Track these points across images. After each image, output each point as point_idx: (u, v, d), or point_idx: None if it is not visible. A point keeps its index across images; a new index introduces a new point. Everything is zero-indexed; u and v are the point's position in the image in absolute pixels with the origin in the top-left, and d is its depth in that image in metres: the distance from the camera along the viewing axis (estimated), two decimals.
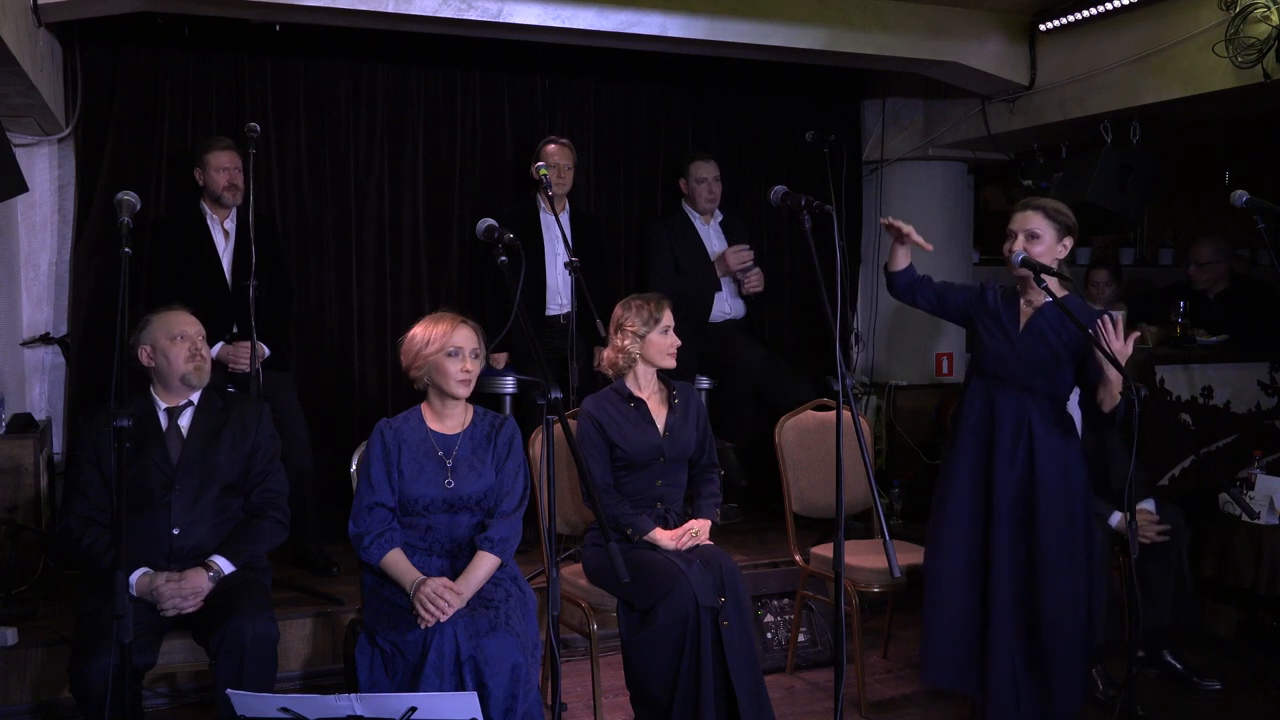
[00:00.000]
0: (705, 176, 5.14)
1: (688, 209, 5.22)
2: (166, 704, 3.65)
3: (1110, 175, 4.91)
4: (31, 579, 4.00)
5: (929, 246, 3.37)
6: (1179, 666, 3.96)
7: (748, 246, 5.08)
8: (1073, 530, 3.22)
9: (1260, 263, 6.61)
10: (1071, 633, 3.19)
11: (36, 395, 4.80)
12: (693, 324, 4.86)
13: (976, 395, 3.34)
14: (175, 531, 3.02)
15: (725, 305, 5.14)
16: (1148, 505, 3.85)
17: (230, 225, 4.39)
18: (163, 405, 3.13)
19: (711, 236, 5.20)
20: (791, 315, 5.94)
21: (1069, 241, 3.25)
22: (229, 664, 2.80)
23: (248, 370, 4.14)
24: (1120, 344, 3.04)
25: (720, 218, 5.24)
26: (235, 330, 4.29)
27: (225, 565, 3.00)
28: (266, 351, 4.23)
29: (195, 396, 3.17)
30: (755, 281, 5.10)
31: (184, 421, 3.13)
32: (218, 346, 4.22)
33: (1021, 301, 3.32)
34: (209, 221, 4.37)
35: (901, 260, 3.42)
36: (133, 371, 3.10)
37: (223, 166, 4.31)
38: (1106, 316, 3.10)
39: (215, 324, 4.22)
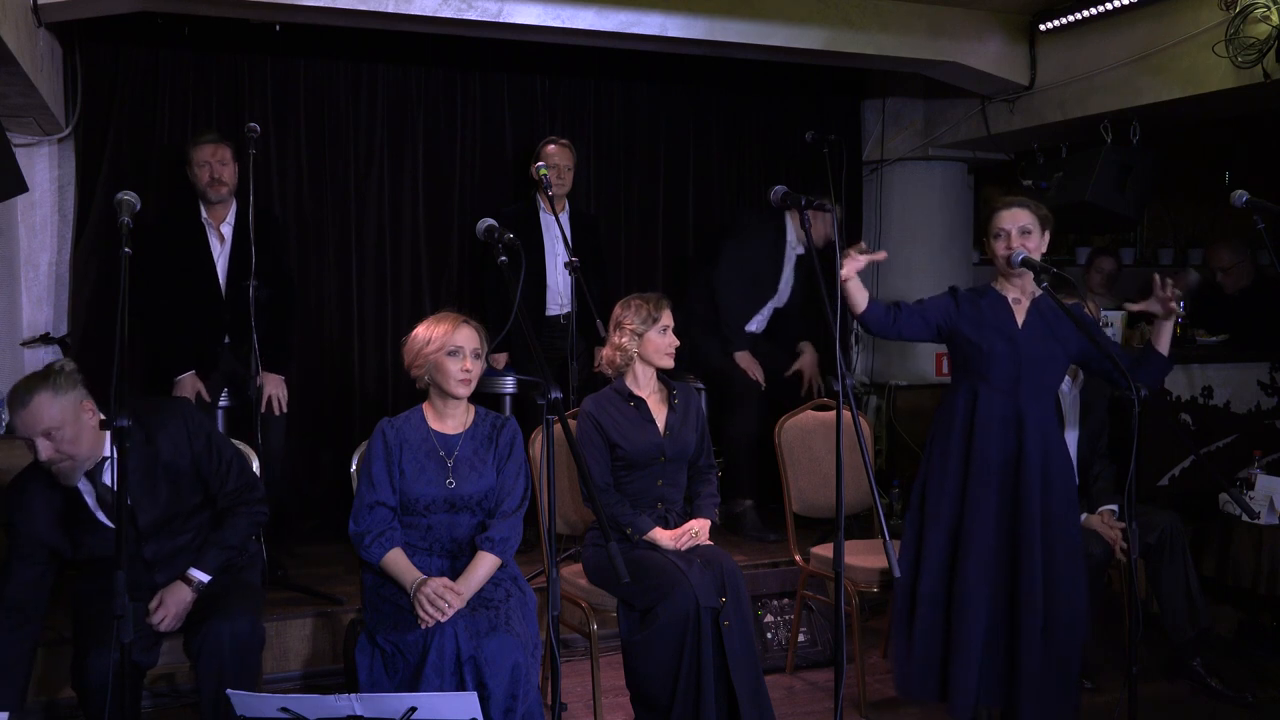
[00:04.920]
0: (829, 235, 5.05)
1: (791, 226, 5.06)
2: (166, 704, 3.65)
3: (1110, 175, 4.91)
4: None
5: (882, 254, 3.21)
6: (1210, 680, 3.86)
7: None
8: (1072, 532, 3.22)
9: (1260, 263, 6.62)
10: (1077, 634, 3.19)
11: None
12: (722, 339, 4.94)
13: (967, 403, 3.27)
14: (159, 580, 2.91)
15: (752, 323, 5.14)
16: (1112, 508, 3.82)
17: (228, 229, 4.24)
18: (79, 473, 2.80)
19: (790, 262, 5.14)
20: (792, 315, 5.93)
21: (1048, 235, 3.26)
22: (209, 667, 2.77)
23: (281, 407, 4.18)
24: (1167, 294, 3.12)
25: (800, 251, 5.12)
26: (227, 340, 4.21)
27: (200, 576, 2.91)
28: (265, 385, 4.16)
29: (108, 447, 2.79)
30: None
31: (109, 479, 2.83)
32: (188, 375, 4.13)
33: (1009, 299, 3.26)
34: (205, 224, 4.23)
35: (860, 297, 3.19)
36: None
37: (204, 161, 4.14)
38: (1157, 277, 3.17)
39: (207, 333, 4.18)
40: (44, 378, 2.73)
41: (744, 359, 4.98)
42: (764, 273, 5.07)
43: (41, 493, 2.84)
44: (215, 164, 4.16)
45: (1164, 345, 3.19)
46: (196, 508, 3.01)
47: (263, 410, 4.13)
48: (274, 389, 4.21)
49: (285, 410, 4.25)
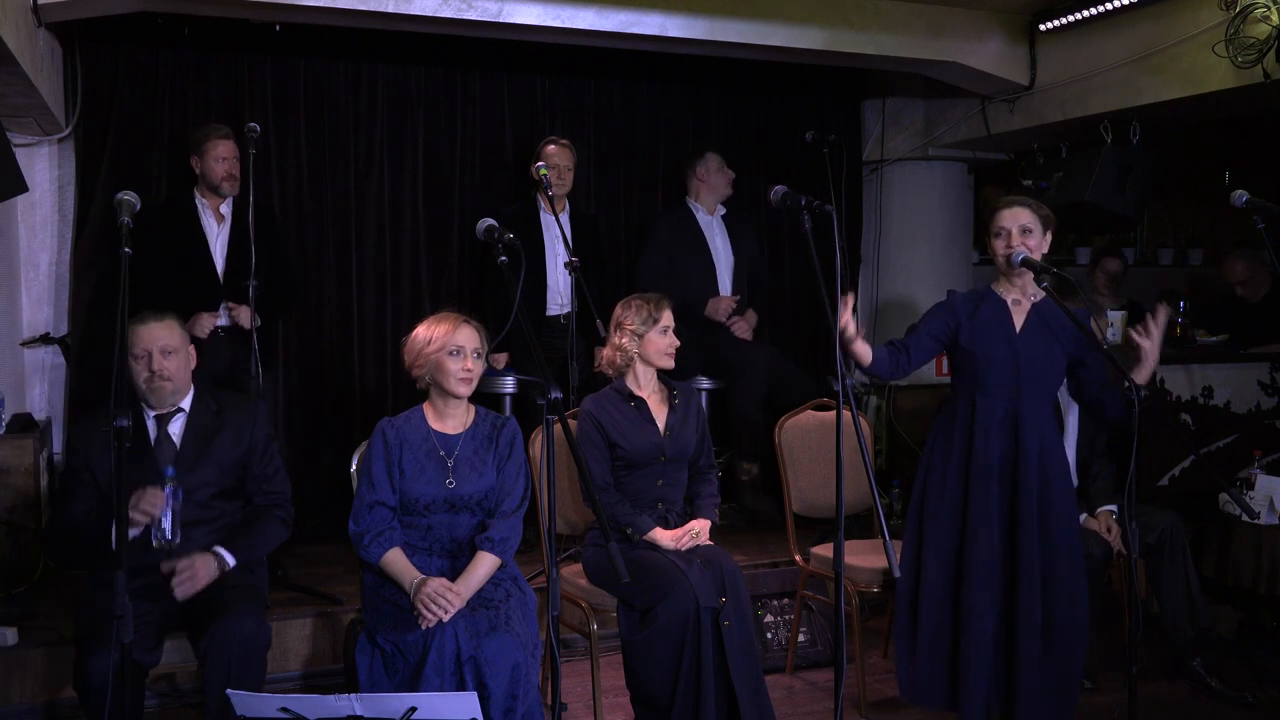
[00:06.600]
0: (725, 168, 5.13)
1: (692, 204, 5.19)
2: (168, 704, 3.65)
3: (1110, 175, 4.91)
4: (31, 579, 4.00)
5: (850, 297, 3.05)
6: (1210, 680, 3.86)
7: (735, 298, 5.06)
8: (1072, 535, 3.22)
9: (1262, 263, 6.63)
10: (1078, 638, 3.19)
11: (36, 395, 4.80)
12: (699, 327, 4.88)
13: (966, 407, 3.27)
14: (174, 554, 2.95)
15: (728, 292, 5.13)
16: (1111, 508, 3.82)
17: (226, 209, 4.29)
18: (151, 413, 3.05)
19: (715, 231, 5.18)
20: (792, 315, 5.94)
21: (1050, 235, 3.25)
22: (217, 666, 2.78)
23: (246, 327, 4.06)
24: (1158, 335, 3.06)
25: (723, 212, 5.23)
26: (222, 333, 4.18)
27: (228, 557, 2.96)
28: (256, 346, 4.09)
29: (186, 402, 3.09)
30: (743, 329, 5.06)
31: (175, 429, 3.06)
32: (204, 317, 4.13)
33: (1009, 301, 3.25)
34: (200, 207, 4.26)
35: (865, 352, 3.15)
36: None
37: (222, 156, 4.23)
38: (1161, 308, 3.11)
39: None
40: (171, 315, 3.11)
41: (711, 305, 4.98)
42: (683, 253, 5.05)
43: (103, 423, 2.95)
44: (232, 160, 4.25)
45: (1141, 377, 3.09)
46: (228, 492, 3.09)
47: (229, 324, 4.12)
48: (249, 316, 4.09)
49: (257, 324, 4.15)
